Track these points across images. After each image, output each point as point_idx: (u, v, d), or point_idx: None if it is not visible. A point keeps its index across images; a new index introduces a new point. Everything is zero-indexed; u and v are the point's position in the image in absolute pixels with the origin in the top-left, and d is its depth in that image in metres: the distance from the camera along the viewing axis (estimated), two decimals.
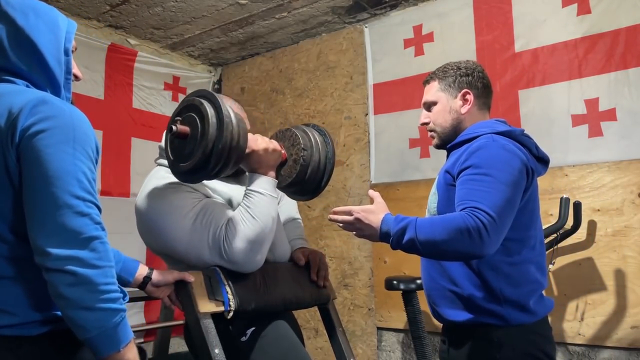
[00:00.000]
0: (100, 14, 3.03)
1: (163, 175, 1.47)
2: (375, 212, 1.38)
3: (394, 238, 1.32)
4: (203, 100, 1.33)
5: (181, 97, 3.64)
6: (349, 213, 1.39)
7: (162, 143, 1.55)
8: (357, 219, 1.38)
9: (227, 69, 3.92)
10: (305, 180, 1.53)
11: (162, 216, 1.38)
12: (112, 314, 0.99)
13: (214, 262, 1.38)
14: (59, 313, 1.03)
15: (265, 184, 1.42)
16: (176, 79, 3.64)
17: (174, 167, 1.37)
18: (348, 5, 3.00)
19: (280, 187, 1.54)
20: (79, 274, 0.95)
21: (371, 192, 1.47)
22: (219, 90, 3.92)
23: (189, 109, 1.35)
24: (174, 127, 1.31)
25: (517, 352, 1.40)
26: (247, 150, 1.38)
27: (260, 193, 1.41)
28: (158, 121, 3.43)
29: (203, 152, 1.27)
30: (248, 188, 1.42)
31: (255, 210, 1.38)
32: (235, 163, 1.36)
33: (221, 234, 1.36)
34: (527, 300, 1.41)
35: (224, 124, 1.28)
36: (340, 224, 1.42)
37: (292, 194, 1.65)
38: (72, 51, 1.16)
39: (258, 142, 1.42)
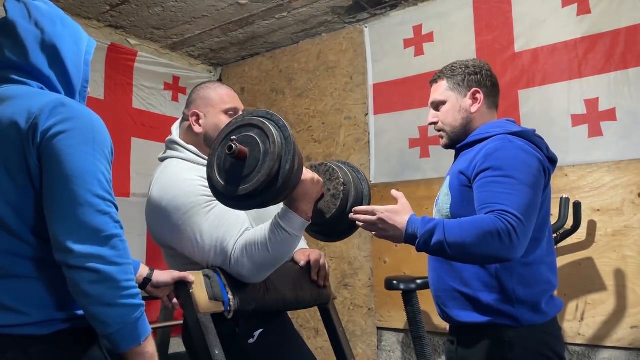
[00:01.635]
0: (100, 14, 3.03)
1: (178, 166, 1.45)
2: (401, 212, 1.33)
3: (421, 240, 1.29)
4: (264, 120, 1.25)
5: (181, 97, 3.64)
6: (372, 213, 1.34)
7: (174, 136, 1.54)
8: (381, 219, 1.32)
9: (227, 69, 3.92)
10: (343, 216, 1.43)
11: (175, 211, 1.37)
12: (133, 309, 1.01)
13: (217, 265, 1.39)
14: (71, 312, 1.05)
15: (297, 225, 1.35)
16: (176, 79, 3.63)
17: (227, 191, 1.25)
18: (348, 5, 3.00)
19: (316, 222, 1.45)
20: (102, 271, 0.97)
21: (395, 193, 1.41)
22: None
23: (245, 128, 1.27)
24: (233, 146, 1.20)
25: (528, 352, 1.39)
26: None
27: (287, 233, 1.34)
28: (158, 121, 3.43)
29: (269, 173, 1.18)
30: (278, 221, 1.35)
31: (274, 246, 1.34)
32: (292, 189, 1.27)
33: (230, 244, 1.35)
34: (539, 301, 1.41)
35: (291, 143, 1.21)
36: (361, 224, 1.36)
37: (320, 235, 1.55)
38: None
39: (303, 171, 1.33)
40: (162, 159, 1.55)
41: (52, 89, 1.12)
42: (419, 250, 1.31)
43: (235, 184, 1.23)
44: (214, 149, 1.31)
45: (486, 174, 1.36)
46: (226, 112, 1.53)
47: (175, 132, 1.57)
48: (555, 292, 2.39)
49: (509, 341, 1.39)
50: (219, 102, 1.54)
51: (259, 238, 1.35)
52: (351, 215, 1.37)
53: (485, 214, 1.28)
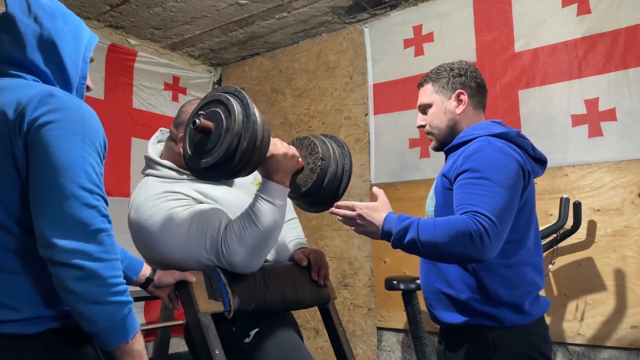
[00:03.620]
0: (100, 14, 3.03)
1: (151, 185, 1.46)
2: (379, 209, 1.37)
3: (396, 237, 1.32)
4: (229, 96, 1.30)
5: (181, 97, 3.65)
6: (352, 208, 1.38)
7: (150, 153, 1.55)
8: (360, 215, 1.37)
9: (227, 69, 3.92)
10: (320, 190, 1.49)
11: (155, 228, 1.37)
12: (121, 307, 0.99)
13: (212, 263, 1.39)
14: (62, 309, 1.02)
15: (276, 192, 1.39)
16: (176, 79, 3.64)
17: (192, 163, 1.31)
18: (348, 5, 3.00)
19: (293, 196, 1.50)
20: (86, 267, 0.94)
21: (375, 190, 1.46)
22: None
23: (213, 104, 1.31)
24: (197, 121, 1.26)
25: (512, 353, 1.40)
26: (267, 154, 1.34)
27: (270, 202, 1.37)
28: (158, 121, 3.42)
29: (227, 149, 1.23)
30: (258, 194, 1.39)
31: (260, 218, 1.36)
32: (256, 164, 1.32)
33: (218, 236, 1.36)
34: (522, 302, 1.42)
35: (251, 121, 1.24)
36: (341, 218, 1.41)
37: (302, 204, 1.60)
38: (90, 61, 1.20)
39: (277, 146, 1.38)
40: (144, 174, 1.56)
41: (48, 83, 1.10)
42: (394, 247, 1.35)
43: (200, 157, 1.29)
44: (188, 122, 1.36)
45: (464, 175, 1.38)
46: None
47: (151, 148, 1.58)
48: (556, 292, 2.42)
49: (492, 342, 1.41)
50: None
51: (244, 218, 1.37)
52: (332, 209, 1.42)
53: (460, 215, 1.30)
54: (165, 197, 1.41)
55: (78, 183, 0.97)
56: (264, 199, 1.38)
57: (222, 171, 1.29)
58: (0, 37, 1.10)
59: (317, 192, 1.49)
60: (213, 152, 1.26)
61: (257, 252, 1.38)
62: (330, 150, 1.52)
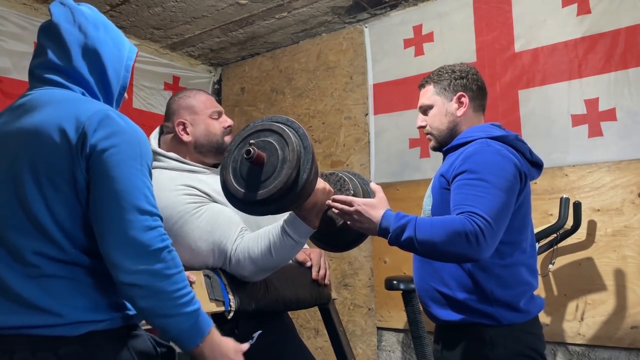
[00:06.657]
0: None
1: (159, 176, 1.45)
2: (377, 206, 1.37)
3: (393, 235, 1.33)
4: (283, 126, 1.25)
5: None
6: (350, 204, 1.38)
7: (154, 146, 1.54)
8: (357, 212, 1.36)
9: (227, 69, 3.92)
10: (350, 228, 1.42)
11: (165, 223, 1.35)
12: (188, 317, 1.04)
13: (217, 267, 1.39)
14: (102, 314, 1.06)
15: (303, 232, 1.36)
16: (176, 79, 3.64)
17: (241, 196, 1.24)
18: (348, 5, 3.00)
19: (325, 232, 1.46)
20: (151, 286, 1.00)
21: (373, 186, 1.46)
22: (219, 90, 3.93)
23: (264, 133, 1.27)
24: (252, 150, 1.19)
25: (509, 351, 1.42)
26: None
27: (293, 239, 1.35)
28: (158, 121, 3.37)
29: (286, 181, 1.19)
30: (285, 227, 1.36)
31: (278, 251, 1.35)
32: (306, 197, 1.27)
33: (228, 245, 1.35)
34: (517, 301, 1.44)
35: (309, 152, 1.22)
36: (337, 212, 1.39)
37: (321, 243, 1.54)
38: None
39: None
40: None
41: (92, 94, 1.13)
42: (390, 244, 1.35)
43: (250, 189, 1.23)
44: (230, 150, 1.30)
45: (462, 176, 1.39)
46: (211, 116, 1.56)
47: (154, 142, 1.57)
48: (556, 292, 2.42)
49: (490, 340, 1.42)
50: (204, 108, 1.56)
51: (262, 242, 1.35)
52: (328, 201, 1.39)
53: (457, 215, 1.31)
54: (178, 191, 1.39)
55: (139, 207, 1.02)
56: (289, 235, 1.35)
57: (276, 204, 1.22)
58: (44, 45, 1.13)
59: (347, 229, 1.44)
60: (267, 185, 1.21)
61: (266, 272, 1.40)
62: (359, 185, 1.49)
